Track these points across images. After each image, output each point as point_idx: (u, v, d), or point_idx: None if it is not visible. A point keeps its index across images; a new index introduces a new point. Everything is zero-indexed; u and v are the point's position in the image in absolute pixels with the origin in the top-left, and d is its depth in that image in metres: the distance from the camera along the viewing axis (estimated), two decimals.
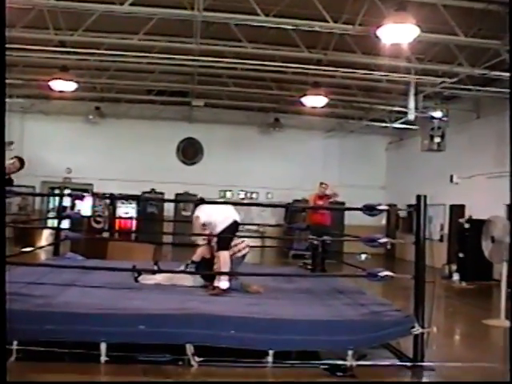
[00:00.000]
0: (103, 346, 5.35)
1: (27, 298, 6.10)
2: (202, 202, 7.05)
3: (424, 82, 13.60)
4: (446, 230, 16.79)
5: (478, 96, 14.68)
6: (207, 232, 7.33)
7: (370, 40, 10.44)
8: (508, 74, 11.18)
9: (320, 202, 12.28)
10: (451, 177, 16.24)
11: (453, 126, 15.33)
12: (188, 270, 7.47)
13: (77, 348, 5.31)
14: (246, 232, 13.20)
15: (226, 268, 6.95)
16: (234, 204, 7.19)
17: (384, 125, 19.13)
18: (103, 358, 5.33)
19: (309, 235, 11.34)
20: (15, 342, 5.30)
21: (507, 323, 8.33)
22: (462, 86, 13.78)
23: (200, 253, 7.63)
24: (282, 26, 10.99)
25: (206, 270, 7.38)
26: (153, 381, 5.14)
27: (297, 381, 5.39)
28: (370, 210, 6.63)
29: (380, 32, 9.37)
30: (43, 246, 12.21)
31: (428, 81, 13.48)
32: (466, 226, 13.73)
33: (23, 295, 6.18)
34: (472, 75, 12.69)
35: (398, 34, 9.29)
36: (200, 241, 7.65)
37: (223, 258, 6.96)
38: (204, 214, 7.29)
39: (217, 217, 7.19)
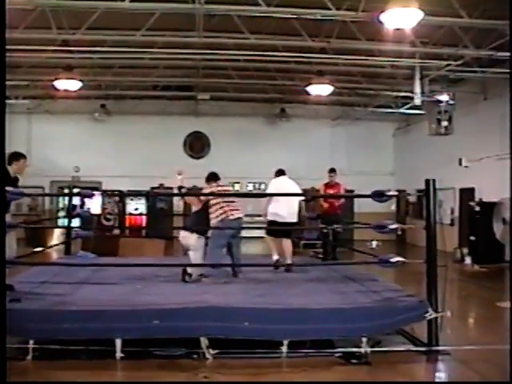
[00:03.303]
0: (118, 342, 5.39)
1: (42, 297, 6.16)
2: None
3: (429, 65, 13.47)
4: (456, 214, 16.70)
5: (484, 78, 14.53)
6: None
7: (373, 26, 10.33)
8: None
9: (329, 191, 12.11)
10: (460, 160, 16.12)
11: (460, 108, 15.20)
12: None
13: (92, 345, 5.36)
14: (256, 224, 13.18)
15: (288, 251, 8.91)
16: (244, 196, 7.21)
17: (390, 111, 19.05)
18: (119, 354, 5.38)
19: (319, 224, 11.31)
20: (31, 341, 5.36)
21: None
22: (468, 69, 13.66)
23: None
24: (284, 16, 10.91)
25: (198, 221, 8.35)
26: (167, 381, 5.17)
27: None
28: (379, 196, 6.62)
29: (383, 17, 9.26)
30: (54, 245, 12.25)
31: (433, 64, 13.36)
32: (477, 208, 13.69)
33: (38, 294, 6.24)
34: (478, 57, 12.57)
35: (402, 18, 9.15)
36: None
37: (286, 243, 8.96)
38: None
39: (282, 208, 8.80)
